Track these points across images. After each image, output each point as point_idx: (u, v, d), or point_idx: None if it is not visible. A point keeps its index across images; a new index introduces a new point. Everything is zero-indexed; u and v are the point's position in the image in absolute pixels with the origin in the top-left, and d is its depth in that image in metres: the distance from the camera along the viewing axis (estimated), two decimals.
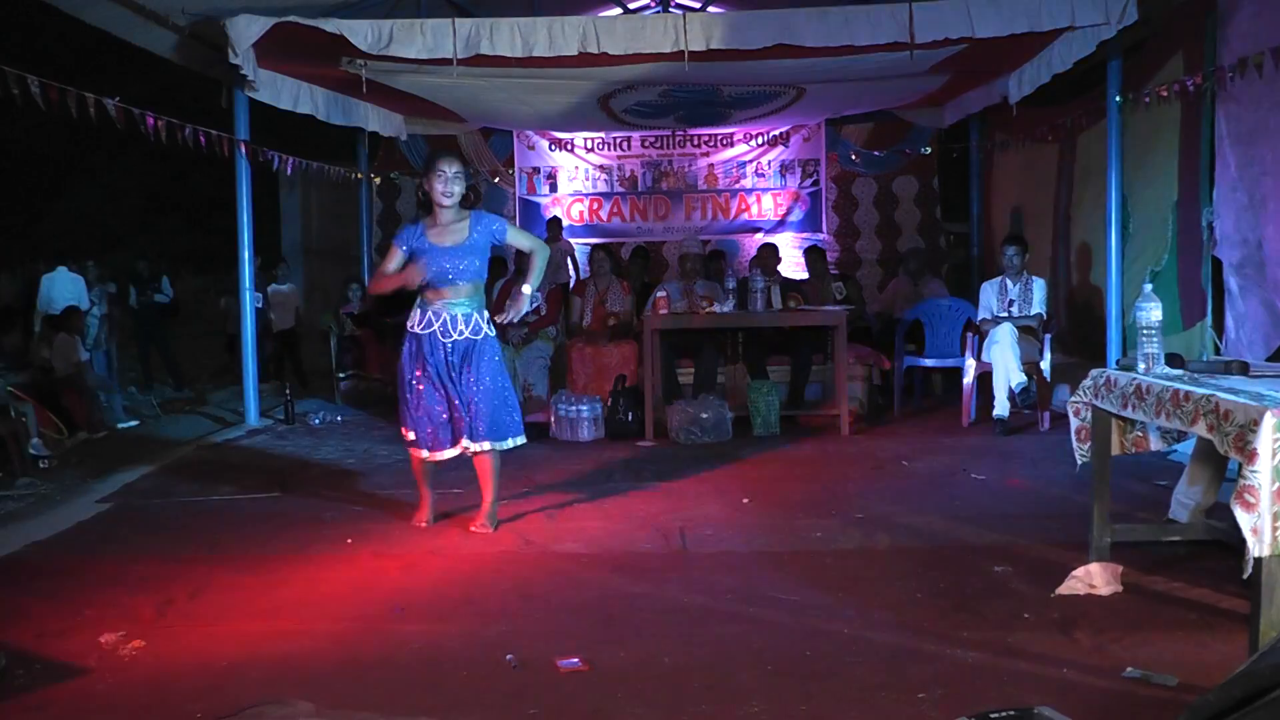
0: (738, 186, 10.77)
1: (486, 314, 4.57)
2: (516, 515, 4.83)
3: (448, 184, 4.40)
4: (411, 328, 4.51)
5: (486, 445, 4.48)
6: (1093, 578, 3.55)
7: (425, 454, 4.53)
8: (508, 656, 3.07)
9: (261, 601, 3.70)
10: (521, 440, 4.61)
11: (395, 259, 4.53)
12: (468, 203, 4.49)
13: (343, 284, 10.02)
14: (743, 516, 4.79)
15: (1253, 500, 2.72)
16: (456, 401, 4.45)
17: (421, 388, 4.47)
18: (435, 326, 4.45)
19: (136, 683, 2.99)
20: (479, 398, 4.44)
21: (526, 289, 4.55)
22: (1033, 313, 6.93)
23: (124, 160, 16.73)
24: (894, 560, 4.07)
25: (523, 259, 4.81)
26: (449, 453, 4.53)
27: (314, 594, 3.78)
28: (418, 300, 4.54)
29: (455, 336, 4.45)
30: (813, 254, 8.90)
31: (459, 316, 4.45)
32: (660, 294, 7.25)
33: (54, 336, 7.97)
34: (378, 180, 10.80)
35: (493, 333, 4.55)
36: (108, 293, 10.38)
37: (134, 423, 8.04)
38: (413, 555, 4.23)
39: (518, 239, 4.66)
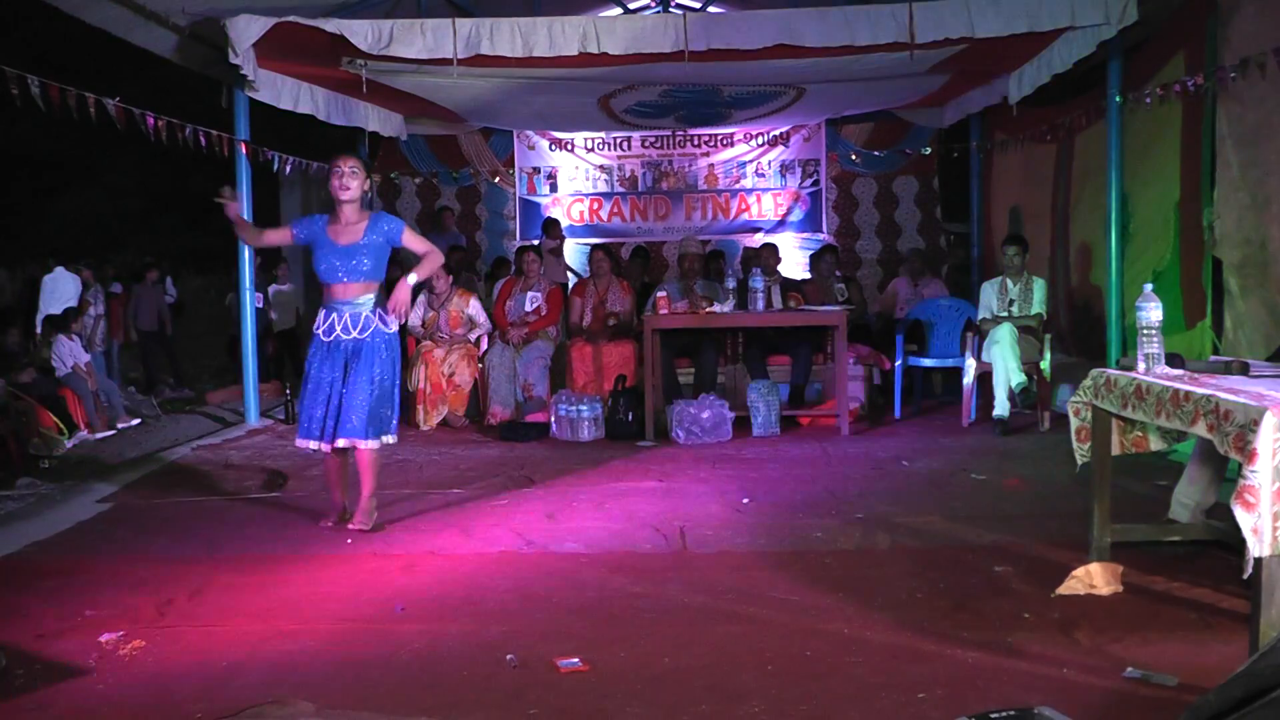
0: (738, 186, 10.77)
1: (380, 312, 4.57)
2: (516, 515, 4.84)
3: (344, 179, 4.46)
4: (315, 330, 4.59)
5: (360, 442, 4.49)
6: (1093, 578, 3.55)
7: (299, 440, 4.57)
8: (508, 656, 3.07)
9: (261, 601, 3.69)
10: (391, 439, 4.62)
11: (278, 234, 4.79)
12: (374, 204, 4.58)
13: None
14: (743, 516, 4.79)
15: (1253, 500, 2.72)
16: (335, 399, 4.49)
17: (310, 383, 4.55)
18: (325, 325, 4.51)
19: (136, 683, 2.99)
20: (357, 394, 4.46)
21: (411, 278, 4.56)
22: (1033, 313, 6.94)
23: (124, 160, 16.73)
24: (894, 560, 4.07)
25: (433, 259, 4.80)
26: (316, 444, 4.53)
27: (314, 594, 3.78)
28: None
29: (344, 336, 4.49)
30: (825, 253, 8.87)
31: (348, 315, 4.50)
32: (661, 294, 7.25)
33: (54, 337, 7.97)
34: (378, 180, 10.80)
35: (390, 330, 4.57)
36: (111, 293, 10.40)
37: (135, 422, 8.04)
38: (413, 555, 4.22)
39: (412, 242, 4.66)
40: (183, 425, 7.96)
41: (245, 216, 7.42)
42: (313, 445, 4.54)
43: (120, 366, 10.45)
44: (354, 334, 4.49)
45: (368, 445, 4.51)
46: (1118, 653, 3.01)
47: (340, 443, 4.49)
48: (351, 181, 4.47)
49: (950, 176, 10.91)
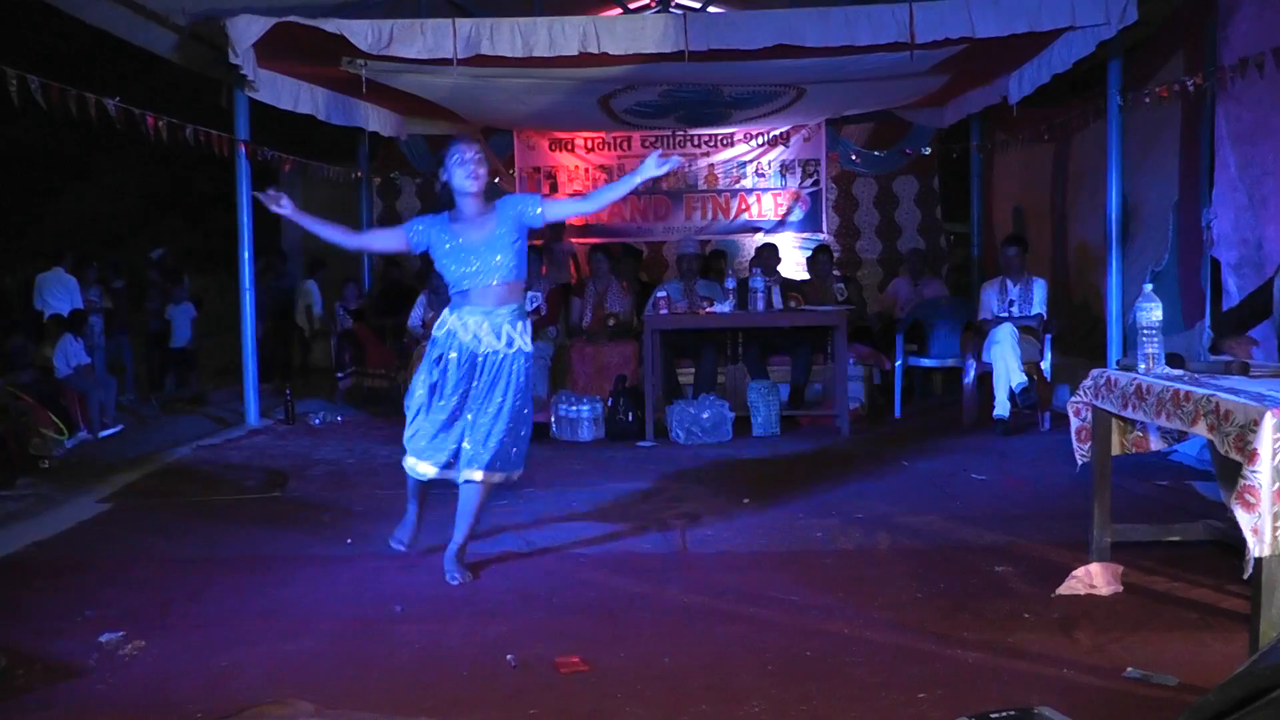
0: (738, 186, 10.76)
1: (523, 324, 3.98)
2: (516, 515, 4.84)
3: (472, 166, 3.87)
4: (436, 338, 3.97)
5: (481, 474, 3.91)
6: (1093, 578, 3.56)
7: (407, 460, 4.00)
8: (508, 656, 3.07)
9: (261, 601, 3.70)
10: (517, 475, 4.05)
11: (384, 237, 4.44)
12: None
13: (340, 283, 10.02)
14: (743, 516, 4.79)
15: (1253, 500, 2.72)
16: (460, 421, 3.93)
17: (430, 399, 3.95)
18: (456, 335, 3.89)
19: (136, 683, 2.99)
20: (492, 419, 3.89)
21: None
22: (1033, 313, 6.94)
23: (124, 160, 16.73)
24: (894, 560, 4.07)
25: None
26: (430, 468, 3.95)
27: (314, 594, 3.78)
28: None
29: (478, 349, 3.88)
30: (820, 253, 8.88)
31: (486, 325, 3.87)
32: (661, 294, 7.25)
33: (58, 337, 7.95)
34: (378, 180, 10.80)
35: (528, 348, 3.99)
36: (115, 288, 10.39)
37: (118, 429, 7.95)
38: (413, 555, 4.22)
39: (559, 207, 4.20)
40: (183, 425, 7.95)
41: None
42: (427, 470, 3.94)
43: (131, 366, 10.41)
44: (499, 346, 3.87)
45: (489, 479, 3.91)
46: (1118, 653, 3.01)
47: (471, 474, 3.89)
48: (481, 169, 3.89)
49: (950, 176, 10.91)
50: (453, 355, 3.87)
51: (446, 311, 3.97)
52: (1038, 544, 4.15)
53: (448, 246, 3.88)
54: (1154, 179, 6.72)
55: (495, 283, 3.86)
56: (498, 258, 3.85)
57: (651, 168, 3.85)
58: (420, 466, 3.96)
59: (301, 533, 4.64)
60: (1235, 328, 4.22)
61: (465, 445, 3.89)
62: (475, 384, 3.88)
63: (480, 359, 3.87)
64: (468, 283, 3.87)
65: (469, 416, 3.89)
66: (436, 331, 3.96)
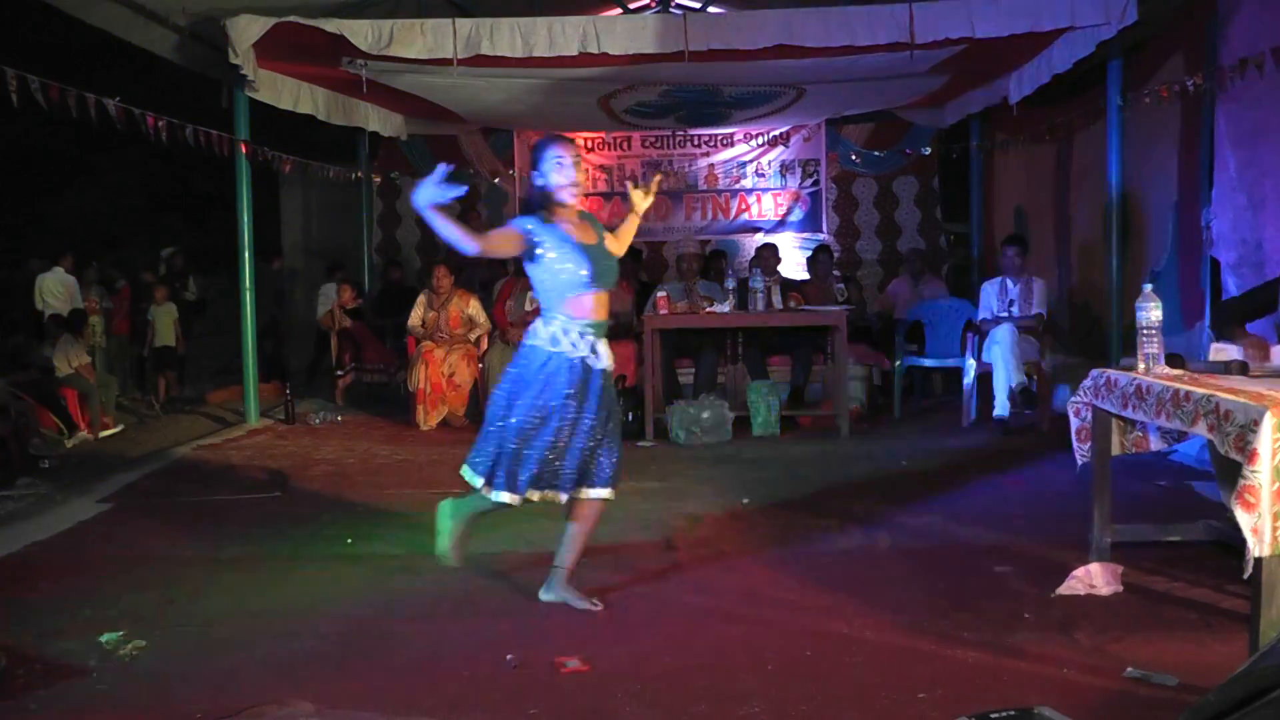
0: (738, 186, 10.76)
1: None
2: (515, 515, 4.83)
3: (570, 170, 3.58)
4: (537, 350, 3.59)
5: (609, 492, 3.67)
6: (1093, 578, 3.55)
7: (502, 494, 3.57)
8: (508, 656, 3.07)
9: (261, 601, 3.69)
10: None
11: (502, 238, 3.66)
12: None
13: (336, 282, 10.02)
14: (743, 516, 4.79)
15: (1253, 500, 2.72)
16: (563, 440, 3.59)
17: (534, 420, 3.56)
18: (575, 350, 3.56)
19: (136, 683, 2.99)
20: (611, 437, 3.67)
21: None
22: (1033, 313, 6.94)
23: (125, 159, 16.76)
24: (894, 560, 4.07)
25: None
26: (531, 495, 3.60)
27: (314, 594, 3.78)
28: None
29: (594, 365, 3.61)
30: (820, 253, 8.88)
31: (593, 337, 3.62)
32: (661, 294, 7.25)
33: (59, 336, 7.95)
34: (378, 180, 10.80)
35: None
36: (115, 291, 10.38)
37: (118, 429, 7.93)
38: (413, 555, 4.22)
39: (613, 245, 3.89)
40: (183, 425, 7.95)
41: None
42: (527, 497, 3.58)
43: (128, 366, 10.39)
44: (601, 362, 3.63)
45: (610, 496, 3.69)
46: (1118, 653, 3.01)
47: (605, 494, 3.65)
48: (578, 174, 3.59)
49: (950, 176, 10.91)
50: (566, 372, 3.54)
51: (541, 324, 3.61)
52: (1038, 544, 4.15)
53: (566, 249, 3.55)
54: (1154, 179, 6.72)
55: (605, 290, 3.65)
56: (612, 264, 3.69)
57: (643, 200, 3.89)
58: (545, 495, 3.60)
59: (301, 533, 4.64)
60: (1235, 319, 4.22)
61: (590, 465, 3.61)
62: (588, 402, 3.58)
63: (590, 375, 3.59)
64: (586, 288, 3.57)
65: (591, 442, 3.59)
66: (533, 340, 3.59)
